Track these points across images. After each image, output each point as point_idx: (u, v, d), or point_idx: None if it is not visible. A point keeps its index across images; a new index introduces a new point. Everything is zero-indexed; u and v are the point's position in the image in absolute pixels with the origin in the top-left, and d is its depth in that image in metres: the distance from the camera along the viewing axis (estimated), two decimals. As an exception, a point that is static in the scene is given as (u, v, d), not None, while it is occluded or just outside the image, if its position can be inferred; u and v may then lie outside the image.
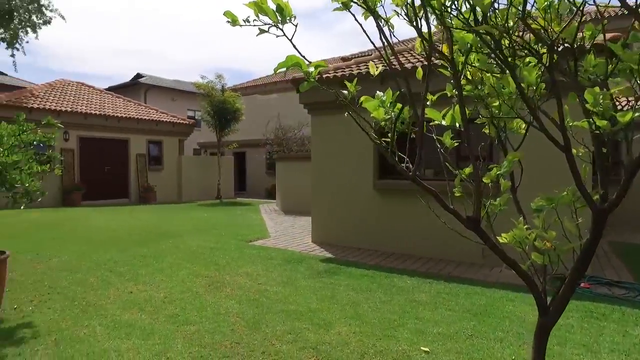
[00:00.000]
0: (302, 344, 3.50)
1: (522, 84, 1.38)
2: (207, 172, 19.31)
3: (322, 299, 4.69)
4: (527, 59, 1.42)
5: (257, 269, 5.99)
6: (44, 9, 16.86)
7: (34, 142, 4.47)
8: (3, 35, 16.18)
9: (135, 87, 28.70)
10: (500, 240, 1.68)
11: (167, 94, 29.43)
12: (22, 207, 4.23)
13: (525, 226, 1.61)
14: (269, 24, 1.38)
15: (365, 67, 7.90)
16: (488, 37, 1.35)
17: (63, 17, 17.53)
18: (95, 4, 65.42)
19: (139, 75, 31.13)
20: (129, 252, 6.85)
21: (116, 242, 7.74)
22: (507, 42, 1.37)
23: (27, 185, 4.04)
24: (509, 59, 1.35)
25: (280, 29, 1.38)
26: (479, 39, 1.38)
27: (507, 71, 1.51)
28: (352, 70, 7.84)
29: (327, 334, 3.70)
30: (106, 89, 20.82)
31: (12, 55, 16.02)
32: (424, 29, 1.47)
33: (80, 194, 14.40)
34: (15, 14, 16.21)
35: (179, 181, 18.37)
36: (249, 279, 5.46)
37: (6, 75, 27.60)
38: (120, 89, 27.23)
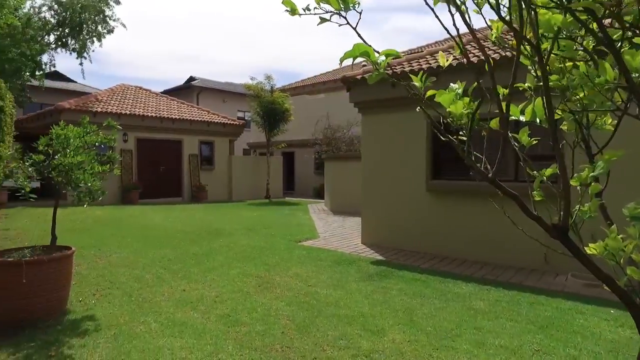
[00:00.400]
0: (355, 351, 3.37)
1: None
2: (256, 172, 19.64)
3: (374, 304, 4.54)
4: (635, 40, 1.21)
5: (307, 270, 5.93)
6: (108, 19, 17.84)
7: (97, 144, 4.65)
8: (74, 46, 17.29)
9: (188, 90, 29.79)
10: (588, 252, 1.47)
11: (218, 96, 30.33)
12: (85, 206, 4.40)
13: (620, 236, 1.40)
14: (331, 11, 1.26)
15: (432, 60, 7.62)
16: (585, 17, 1.16)
17: (124, 26, 18.50)
18: (147, 10, 68.65)
19: (191, 79, 32.29)
20: (182, 250, 7.03)
21: (170, 239, 7.98)
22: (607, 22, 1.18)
23: (89, 184, 4.20)
24: (615, 42, 1.16)
25: (344, 16, 1.26)
26: (571, 19, 1.20)
27: (599, 58, 1.31)
28: (421, 65, 7.60)
29: (381, 342, 3.55)
30: (161, 92, 21.72)
31: (81, 64, 17.14)
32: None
33: (138, 193, 15.09)
34: (84, 26, 17.30)
35: (229, 181, 18.81)
36: (299, 280, 5.40)
37: (76, 82, 29.55)
38: (174, 92, 28.37)
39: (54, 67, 17.41)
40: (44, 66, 16.69)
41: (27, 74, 15.77)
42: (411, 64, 7.80)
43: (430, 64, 7.30)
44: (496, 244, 6.48)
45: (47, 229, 8.77)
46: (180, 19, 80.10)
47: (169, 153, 17.06)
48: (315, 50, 79.24)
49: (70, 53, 17.00)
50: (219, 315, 4.09)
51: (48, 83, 23.92)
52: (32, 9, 16.38)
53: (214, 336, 3.62)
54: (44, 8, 16.78)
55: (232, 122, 18.97)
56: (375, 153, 8.17)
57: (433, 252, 7.26)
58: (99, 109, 14.76)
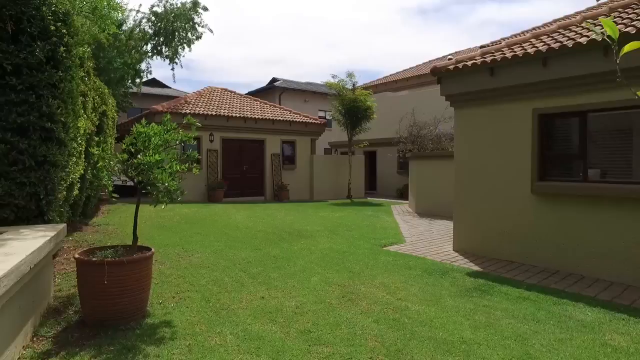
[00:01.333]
0: (460, 391, 2.76)
1: None
2: (337, 172, 19.34)
3: (476, 326, 3.86)
4: None
5: (394, 280, 5.36)
6: (196, 25, 18.66)
7: (177, 141, 4.51)
8: (167, 53, 18.35)
9: (270, 91, 30.51)
10: None
11: (300, 96, 30.67)
12: (163, 206, 4.27)
13: None
14: None
15: (538, 43, 6.64)
16: None
17: (211, 31, 19.19)
18: (233, 18, 72.00)
19: (274, 80, 33.07)
20: (262, 252, 6.83)
21: (251, 240, 7.86)
22: None
23: (166, 184, 4.04)
24: None
25: None
26: None
27: None
28: (525, 49, 6.67)
29: (492, 381, 2.89)
30: (245, 94, 22.35)
31: (172, 69, 18.04)
32: None
33: (222, 191, 15.53)
34: (176, 33, 18.27)
35: (310, 180, 18.73)
36: (386, 291, 4.86)
37: (170, 87, 31.75)
38: (257, 93, 29.20)
39: (151, 74, 18.58)
40: (142, 73, 17.89)
41: (129, 81, 16.99)
42: (513, 49, 6.84)
43: (537, 47, 6.30)
44: (626, 259, 5.37)
45: (139, 225, 9.22)
46: (264, 24, 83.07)
47: (252, 152, 17.39)
48: (396, 49, 77.55)
49: (164, 60, 18.02)
50: (300, 331, 3.70)
51: (146, 89, 25.88)
52: (134, 21, 17.61)
53: (294, 356, 3.22)
54: (144, 21, 17.98)
55: (313, 121, 18.87)
56: (469, 151, 7.33)
57: (540, 264, 6.27)
58: (188, 110, 15.42)
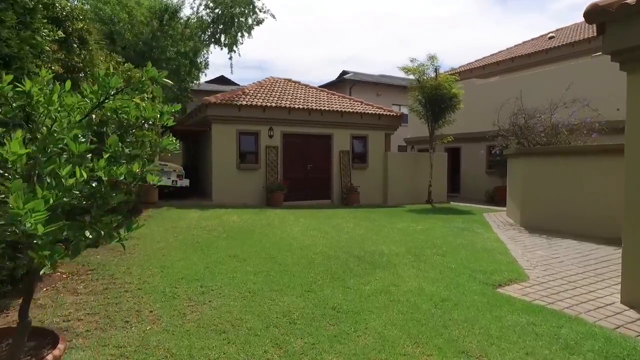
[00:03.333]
0: None
1: None
2: (415, 171, 16.57)
3: None
4: None
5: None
6: (257, 10, 16.91)
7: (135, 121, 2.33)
8: (225, 42, 16.82)
9: (340, 84, 28.29)
10: None
11: (372, 89, 28.14)
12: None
13: None
14: None
15: None
16: None
17: (274, 16, 17.42)
18: (305, 19, 70.83)
19: (344, 72, 30.82)
20: (317, 297, 4.51)
21: (303, 270, 5.58)
22: None
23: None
24: None
25: None
26: None
27: None
28: None
29: None
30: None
31: (230, 58, 16.49)
32: None
33: (282, 194, 13.53)
34: (235, 20, 16.69)
35: (384, 181, 16.16)
36: None
37: (238, 85, 30.76)
38: (326, 87, 27.12)
39: (207, 65, 17.14)
40: (201, 65, 16.53)
41: (185, 73, 15.65)
42: None
43: None
44: None
45: (169, 239, 7.44)
46: (336, 23, 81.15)
47: (317, 149, 15.23)
48: (473, 42, 71.73)
49: (222, 48, 16.53)
50: None
51: (214, 87, 24.88)
52: (191, 9, 16.23)
53: None
54: (201, 7, 16.58)
55: (388, 113, 16.28)
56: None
57: None
58: (244, 102, 13.62)
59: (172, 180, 12.78)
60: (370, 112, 15.83)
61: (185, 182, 13.24)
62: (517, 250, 7.36)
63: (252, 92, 15.02)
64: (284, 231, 8.42)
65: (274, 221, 9.68)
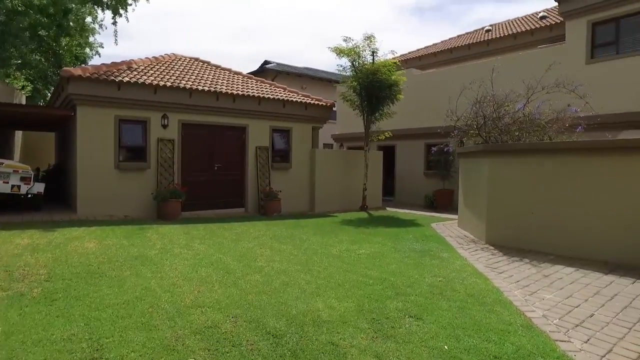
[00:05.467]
0: None
1: None
2: (348, 172, 14.05)
3: None
4: None
5: None
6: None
7: None
8: (108, 1, 12.93)
9: (262, 74, 25.08)
10: None
11: (296, 82, 25.31)
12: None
13: None
14: None
15: None
16: None
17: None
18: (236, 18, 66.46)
19: (266, 62, 27.72)
20: None
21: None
22: None
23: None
24: None
25: None
26: None
27: None
28: None
29: None
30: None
31: (114, 23, 12.62)
32: None
33: (180, 203, 10.16)
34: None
35: (311, 184, 13.41)
36: None
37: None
38: (245, 75, 23.82)
39: (92, 32, 13.08)
40: (70, 28, 12.45)
41: (47, 36, 11.54)
42: None
43: None
44: None
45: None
46: (256, 19, 77.38)
47: (227, 145, 12.02)
48: (392, 47, 72.40)
49: (104, 10, 12.61)
50: None
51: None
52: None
53: None
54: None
55: (316, 102, 13.53)
56: None
57: None
58: (128, 79, 10.03)
59: (13, 186, 8.88)
60: (295, 99, 12.97)
61: (38, 188, 9.38)
62: (515, 292, 4.95)
63: (141, 67, 11.41)
64: (159, 270, 5.21)
65: (151, 249, 6.40)
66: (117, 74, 10.18)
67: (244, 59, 68.40)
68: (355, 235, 8.50)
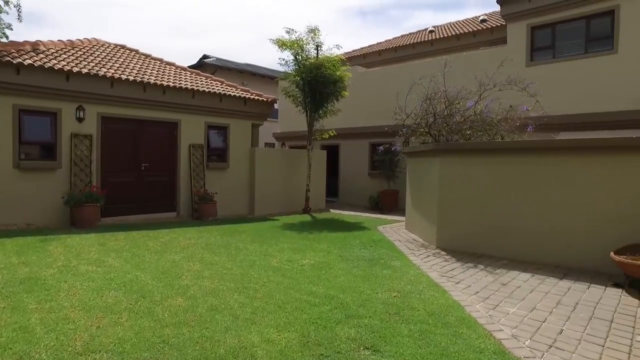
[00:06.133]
0: None
1: None
2: (290, 173, 13.28)
3: None
4: None
5: None
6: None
7: None
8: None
9: (200, 69, 23.63)
10: None
11: (237, 78, 24.07)
12: None
13: None
14: None
15: None
16: None
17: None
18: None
19: (205, 57, 26.23)
20: None
21: None
22: None
23: None
24: None
25: None
26: None
27: None
28: None
29: None
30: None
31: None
32: None
33: (98, 208, 8.83)
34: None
35: (251, 186, 12.48)
36: None
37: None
38: (181, 68, 22.25)
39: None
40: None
41: None
42: None
43: None
44: None
45: None
46: (200, 15, 74.35)
47: (156, 142, 10.78)
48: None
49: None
50: None
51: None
52: None
53: None
54: None
55: (257, 98, 12.61)
56: None
57: None
58: (30, 61, 8.54)
59: None
60: (233, 94, 11.97)
61: None
62: (477, 307, 4.45)
63: (52, 50, 9.87)
64: (50, 299, 4.12)
65: (48, 268, 5.22)
66: (15, 55, 8.65)
67: (185, 56, 65.33)
68: (298, 242, 7.74)
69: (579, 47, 11.36)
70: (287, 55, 12.45)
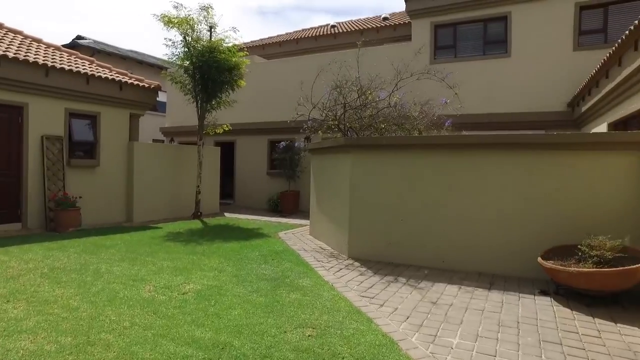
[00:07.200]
0: None
1: None
2: (178, 172, 11.47)
3: None
4: None
5: None
6: None
7: None
8: None
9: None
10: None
11: (120, 65, 21.09)
12: None
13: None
14: None
15: None
16: None
17: None
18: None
19: (79, 38, 22.59)
20: None
21: None
22: None
23: None
24: None
25: None
26: None
27: None
28: None
29: None
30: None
31: None
32: None
33: None
34: None
35: (129, 187, 10.41)
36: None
37: None
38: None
39: None
40: None
41: None
42: None
43: None
44: None
45: None
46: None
47: (-8, 131, 8.27)
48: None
49: None
50: None
51: None
52: None
53: None
54: None
55: (136, 83, 10.54)
56: None
57: None
58: None
59: None
60: (104, 75, 9.80)
61: None
62: (413, 340, 3.52)
63: None
64: None
65: None
66: None
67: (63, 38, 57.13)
68: (183, 258, 6.19)
69: (478, 49, 11.46)
70: (175, 35, 10.66)
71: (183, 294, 4.45)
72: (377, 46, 12.82)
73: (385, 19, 15.95)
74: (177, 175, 11.40)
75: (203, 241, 7.70)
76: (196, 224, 10.02)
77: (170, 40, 10.53)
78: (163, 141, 18.80)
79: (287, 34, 18.79)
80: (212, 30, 10.79)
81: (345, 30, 15.73)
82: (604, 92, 7.15)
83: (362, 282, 5.22)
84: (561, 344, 3.50)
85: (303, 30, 18.87)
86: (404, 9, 13.99)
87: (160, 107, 22.95)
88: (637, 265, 4.32)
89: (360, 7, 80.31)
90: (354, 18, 18.47)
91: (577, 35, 10.29)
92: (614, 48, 6.25)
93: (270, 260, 6.27)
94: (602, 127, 7.80)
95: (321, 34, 16.11)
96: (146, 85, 10.70)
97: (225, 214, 12.30)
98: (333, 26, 17.38)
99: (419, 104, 6.89)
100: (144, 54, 25.17)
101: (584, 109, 8.79)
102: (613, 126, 7.28)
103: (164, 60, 11.32)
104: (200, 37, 10.53)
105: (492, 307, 4.37)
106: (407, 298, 4.64)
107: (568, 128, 9.90)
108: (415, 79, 6.98)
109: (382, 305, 4.38)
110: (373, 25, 15.35)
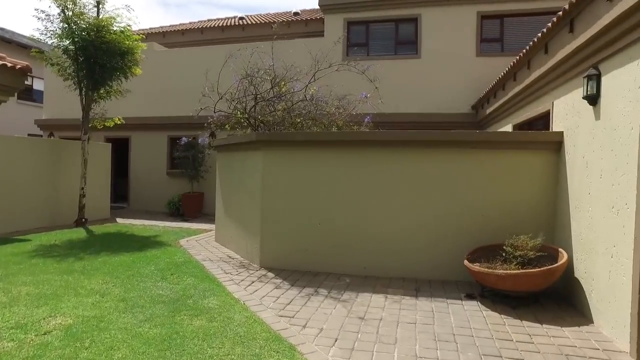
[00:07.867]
0: None
1: None
2: (57, 172, 9.69)
3: None
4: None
5: None
6: None
7: None
8: None
9: None
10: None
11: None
12: None
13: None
14: None
15: None
16: None
17: None
18: None
19: None
20: None
21: None
22: None
23: None
24: None
25: None
26: None
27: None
28: None
29: None
30: None
31: None
32: None
33: None
34: None
35: (-14, 190, 8.45)
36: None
37: None
38: None
39: None
40: None
41: None
42: None
43: None
44: None
45: None
46: None
47: None
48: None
49: None
50: None
51: None
52: None
53: None
54: None
55: (-5, 61, 8.58)
56: None
57: None
58: None
59: None
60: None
61: None
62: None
63: None
64: None
65: None
66: None
67: None
68: (53, 280, 4.92)
69: (390, 49, 11.45)
70: (50, 6, 8.93)
71: (44, 334, 3.33)
72: (290, 40, 12.23)
73: (296, 14, 15.44)
74: (55, 176, 9.61)
75: (85, 255, 6.37)
76: (78, 233, 8.45)
77: (43, 12, 8.78)
78: (41, 136, 16.16)
79: (190, 23, 17.35)
80: (100, 5, 9.26)
81: (254, 22, 14.89)
82: (510, 94, 7.32)
83: (278, 298, 4.52)
84: (501, 357, 3.18)
85: (209, 20, 17.59)
86: (314, 6, 13.63)
87: (37, 97, 19.84)
88: (557, 264, 4.27)
89: (267, 5, 79.65)
90: (263, 13, 17.68)
91: (479, 42, 10.72)
92: (524, 51, 6.35)
93: (169, 275, 5.27)
94: (507, 129, 8.04)
95: (228, 24, 15.06)
96: (9, 65, 8.79)
97: (118, 219, 10.72)
98: (241, 18, 16.42)
99: (337, 99, 6.40)
100: (14, 32, 21.58)
101: (488, 111, 9.07)
102: (518, 127, 7.49)
103: (38, 41, 9.45)
104: (84, 13, 8.95)
105: (423, 319, 3.98)
106: (331, 314, 4.05)
107: (472, 129, 10.24)
108: (334, 69, 6.47)
109: (304, 326, 3.73)
110: (284, 20, 14.72)
